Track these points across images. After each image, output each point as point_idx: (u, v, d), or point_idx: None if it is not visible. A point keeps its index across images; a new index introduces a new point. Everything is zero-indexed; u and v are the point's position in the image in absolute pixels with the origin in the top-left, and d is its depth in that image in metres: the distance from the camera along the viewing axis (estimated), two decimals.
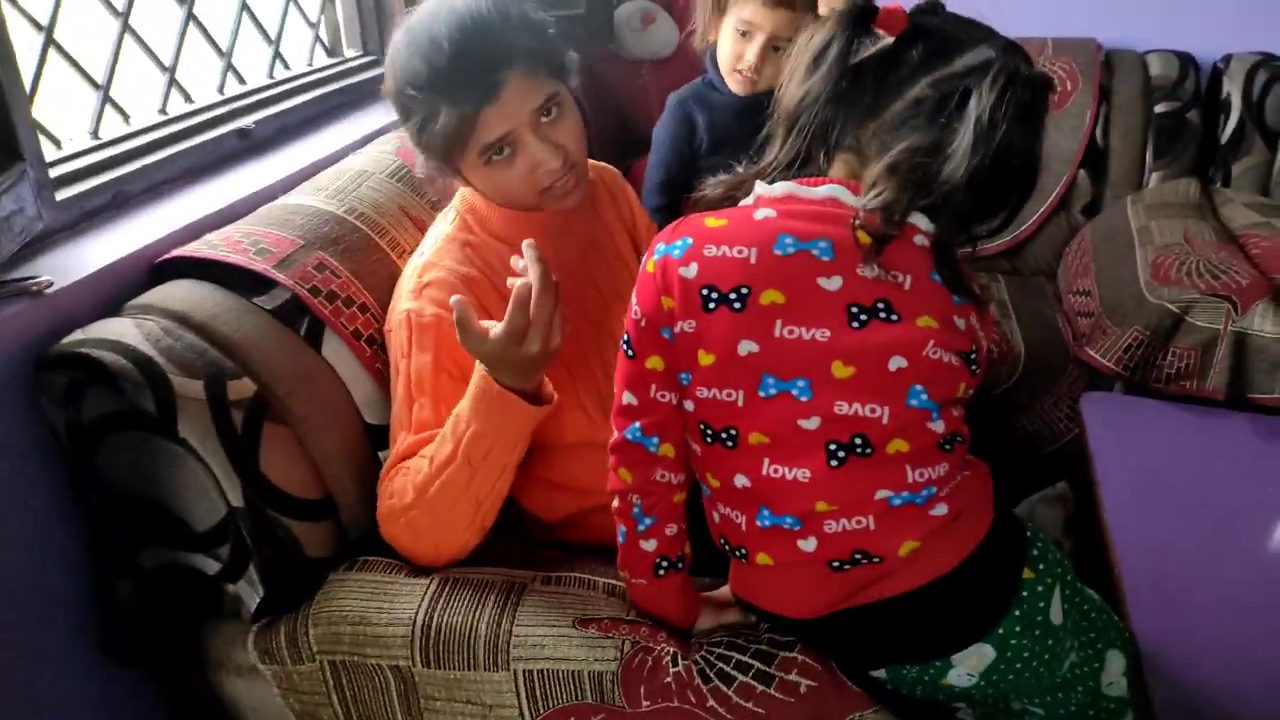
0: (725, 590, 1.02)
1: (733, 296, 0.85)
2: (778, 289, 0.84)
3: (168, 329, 1.01)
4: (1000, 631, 0.90)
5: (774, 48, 1.44)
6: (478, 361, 1.00)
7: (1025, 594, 0.91)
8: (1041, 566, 0.92)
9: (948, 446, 0.88)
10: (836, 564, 0.89)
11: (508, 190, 1.12)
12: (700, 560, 1.00)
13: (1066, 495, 1.71)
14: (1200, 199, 2.04)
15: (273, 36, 1.67)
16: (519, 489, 1.16)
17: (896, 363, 0.84)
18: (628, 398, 0.93)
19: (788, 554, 0.90)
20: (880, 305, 0.84)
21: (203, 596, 1.06)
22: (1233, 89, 2.12)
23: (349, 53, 1.88)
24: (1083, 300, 1.94)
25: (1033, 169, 0.84)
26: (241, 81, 1.60)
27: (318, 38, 1.80)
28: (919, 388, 0.85)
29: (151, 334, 1.00)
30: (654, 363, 0.91)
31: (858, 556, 0.88)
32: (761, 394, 0.86)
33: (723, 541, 0.95)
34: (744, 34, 1.44)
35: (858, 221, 0.84)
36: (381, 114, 1.71)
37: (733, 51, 1.47)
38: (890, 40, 0.84)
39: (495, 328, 0.95)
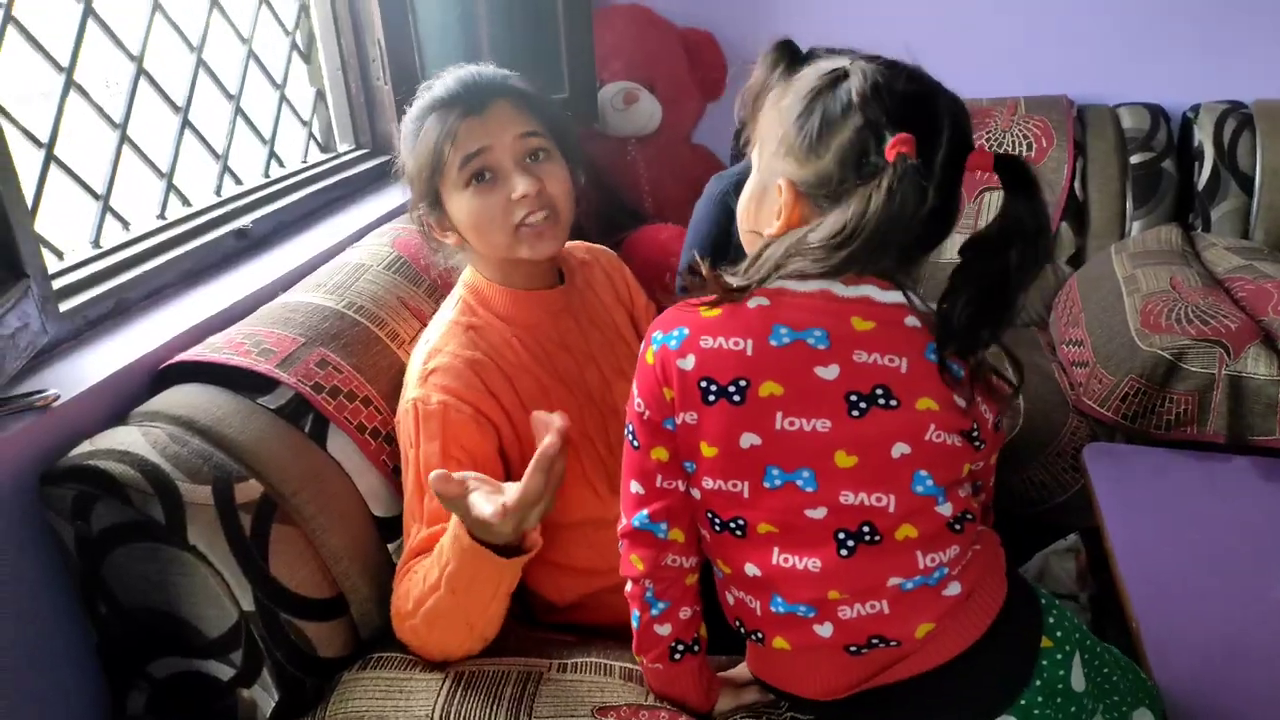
0: (743, 669, 1.01)
1: (731, 389, 0.85)
2: (776, 380, 0.85)
3: (174, 435, 1.02)
4: (1023, 703, 0.89)
5: None
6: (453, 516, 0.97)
7: (1045, 663, 0.90)
8: (1059, 634, 0.92)
9: (958, 527, 0.88)
10: (854, 648, 0.88)
11: (485, 224, 1.13)
12: (716, 638, 0.99)
13: (1078, 547, 1.71)
14: (1183, 245, 2.07)
15: (267, 137, 1.70)
16: (528, 573, 1.16)
17: (899, 450, 0.84)
18: (635, 487, 0.93)
19: (805, 639, 0.89)
20: (879, 391, 0.84)
21: (217, 703, 1.05)
22: (1204, 137, 2.18)
23: (342, 147, 1.92)
24: (1076, 350, 1.96)
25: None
26: (238, 182, 1.63)
27: (311, 135, 1.84)
28: (924, 473, 0.85)
29: (158, 441, 1.00)
30: (659, 453, 0.91)
31: (875, 641, 0.87)
32: (767, 485, 0.86)
33: (738, 624, 0.95)
34: None
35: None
36: (376, 206, 1.74)
37: None
38: None
39: (503, 494, 0.89)
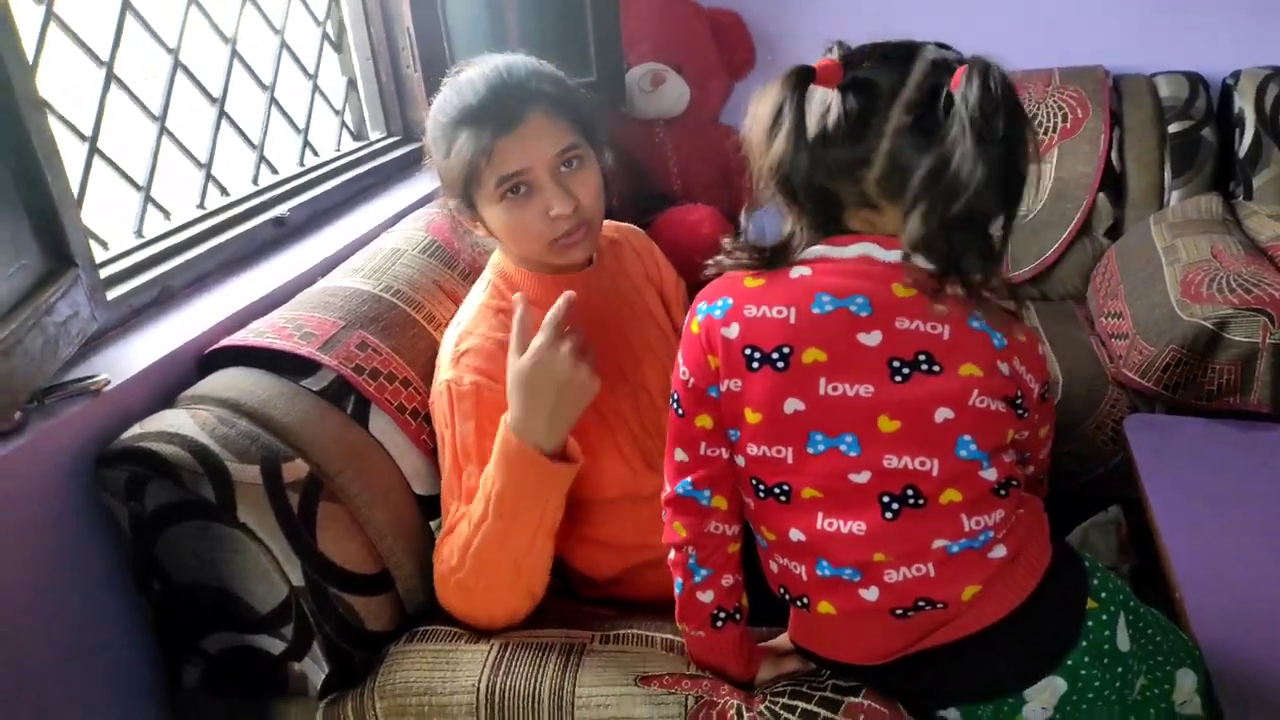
0: (784, 639, 1.02)
1: (775, 356, 0.86)
2: (819, 347, 0.86)
3: (222, 417, 1.04)
4: (1069, 664, 0.89)
5: None
6: (503, 417, 1.03)
7: (1091, 624, 0.90)
8: (1104, 595, 0.92)
9: (1002, 492, 0.88)
10: (900, 611, 0.89)
11: (519, 233, 1.13)
12: (757, 610, 1.00)
13: (1119, 519, 1.69)
14: (1224, 214, 2.04)
15: (300, 126, 1.73)
16: (566, 549, 1.17)
17: (943, 414, 0.85)
18: (679, 455, 0.95)
19: (850, 603, 0.90)
20: (921, 357, 0.85)
21: (269, 677, 1.07)
22: (1245, 104, 2.13)
23: (374, 135, 1.94)
24: (1115, 323, 1.94)
25: (1020, 164, 0.82)
26: (274, 171, 1.66)
27: (344, 123, 1.86)
28: (967, 438, 0.85)
29: (207, 423, 1.03)
30: (703, 421, 0.93)
31: (921, 604, 0.88)
32: (810, 450, 0.87)
33: (782, 591, 0.96)
34: None
35: (908, 279, 0.84)
36: (408, 192, 1.76)
37: None
38: (835, 94, 0.85)
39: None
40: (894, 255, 0.86)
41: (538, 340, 1.02)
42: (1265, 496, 1.35)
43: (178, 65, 1.44)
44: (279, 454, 1.04)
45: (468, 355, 1.14)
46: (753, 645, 1.00)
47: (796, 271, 0.88)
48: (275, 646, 1.05)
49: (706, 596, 0.95)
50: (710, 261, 0.94)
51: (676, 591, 0.97)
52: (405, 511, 1.16)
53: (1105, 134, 2.19)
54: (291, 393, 1.12)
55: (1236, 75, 2.18)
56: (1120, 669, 0.91)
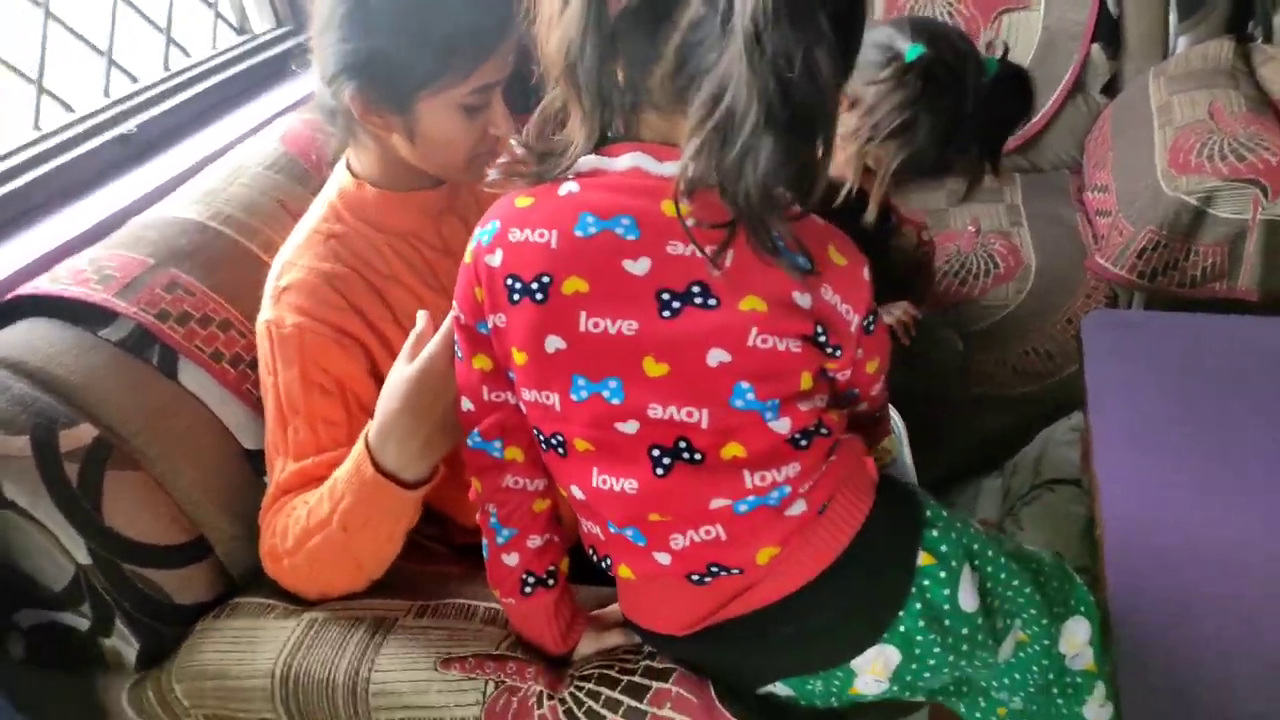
0: (616, 608, 0.91)
1: (535, 287, 0.72)
2: (581, 276, 0.71)
3: None
4: (901, 630, 0.78)
5: None
6: (363, 433, 0.91)
7: (926, 583, 0.78)
8: (944, 548, 0.79)
9: (803, 443, 0.74)
10: (695, 577, 0.77)
11: (449, 147, 0.99)
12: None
13: (1081, 428, 1.52)
14: (1233, 62, 1.76)
15: (161, 24, 1.56)
16: (438, 496, 1.07)
17: (717, 356, 0.70)
18: (465, 403, 0.83)
19: (645, 566, 0.79)
20: (695, 289, 0.69)
21: (84, 652, 1.01)
22: None
23: (260, 27, 1.76)
24: (1101, 197, 1.72)
25: (821, 94, 0.63)
26: (133, 80, 1.50)
27: (219, 16, 1.68)
28: (745, 385, 0.71)
29: None
30: (481, 362, 0.80)
31: (714, 569, 0.76)
32: (574, 396, 0.73)
33: (591, 552, 0.85)
34: None
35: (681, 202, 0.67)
36: (294, 92, 1.59)
37: None
38: None
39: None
40: (668, 168, 0.69)
41: (432, 347, 0.86)
42: (1228, 416, 1.17)
43: None
44: (57, 420, 0.93)
45: (289, 291, 1.02)
46: (572, 614, 0.90)
47: (565, 188, 0.73)
48: (80, 624, 0.98)
49: (511, 559, 0.85)
50: (488, 171, 0.78)
51: (484, 553, 0.87)
52: (227, 469, 1.06)
53: None
54: (86, 346, 1.01)
55: None
56: (966, 630, 0.79)
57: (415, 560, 1.08)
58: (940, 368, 1.46)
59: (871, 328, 0.77)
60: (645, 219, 0.70)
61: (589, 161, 0.73)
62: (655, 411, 0.72)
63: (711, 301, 0.69)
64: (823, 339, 0.72)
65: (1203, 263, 1.46)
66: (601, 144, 0.72)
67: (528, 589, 0.85)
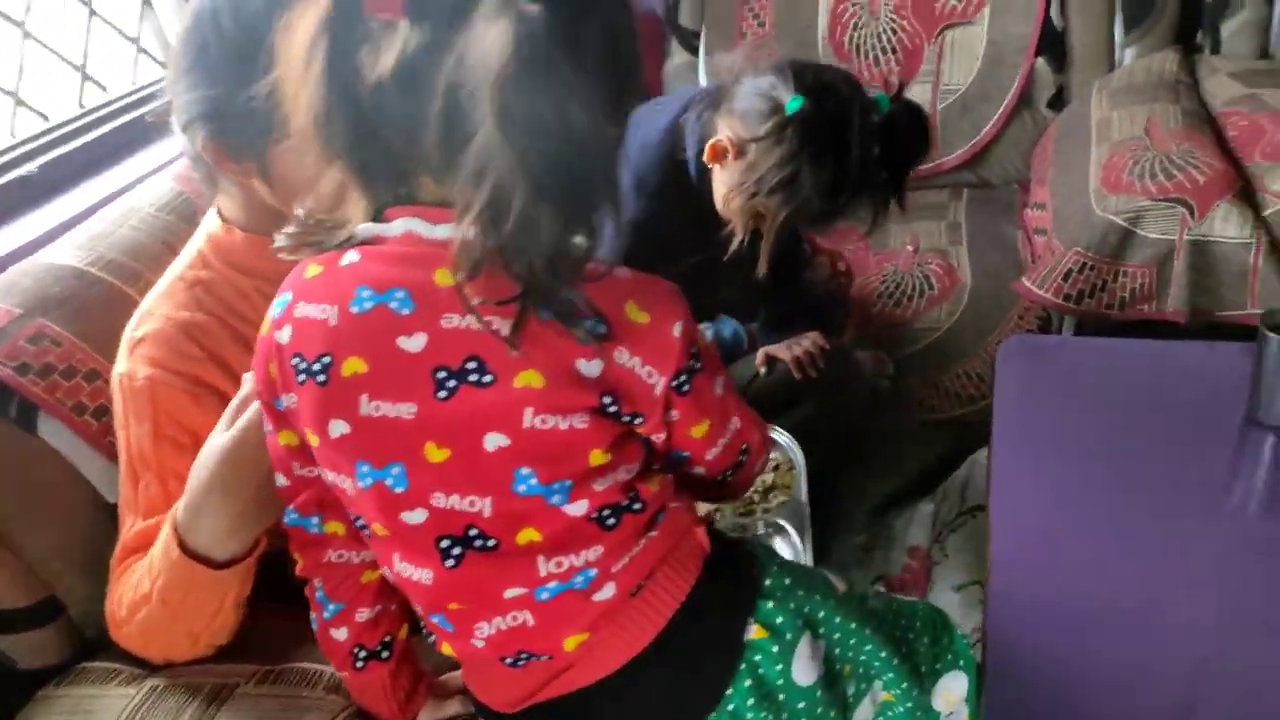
0: (458, 675, 0.88)
1: (317, 368, 0.68)
2: (359, 356, 0.67)
3: None
4: (730, 708, 0.74)
5: None
6: (172, 510, 0.88)
7: (758, 658, 0.74)
8: (779, 619, 0.75)
9: (610, 521, 0.70)
10: (509, 660, 0.74)
11: (308, 187, 0.86)
12: None
13: None
14: (1178, 74, 1.71)
15: (76, 61, 1.55)
16: None
17: (495, 441, 0.66)
18: (279, 479, 0.79)
19: (460, 648, 0.76)
20: (471, 365, 0.65)
21: None
22: None
23: None
24: (1039, 214, 1.67)
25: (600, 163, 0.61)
26: (44, 118, 1.49)
27: (141, 50, 1.67)
28: (525, 471, 0.66)
29: None
30: (286, 438, 0.76)
31: (523, 655, 0.72)
32: (360, 484, 0.70)
33: (421, 625, 0.82)
34: None
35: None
36: None
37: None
38: (403, 24, 0.62)
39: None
40: (441, 231, 0.65)
41: (246, 417, 0.82)
42: (1135, 447, 1.12)
43: None
44: None
45: (144, 344, 0.99)
46: (413, 684, 0.86)
47: (347, 258, 0.69)
48: None
49: (340, 634, 0.81)
50: (278, 235, 0.74)
51: (314, 626, 0.84)
52: (86, 527, 1.03)
53: None
54: None
55: None
56: (803, 703, 0.75)
57: (273, 613, 1.05)
58: (856, 398, 1.42)
59: (686, 388, 0.72)
60: (419, 291, 0.66)
61: (369, 229, 0.69)
62: (439, 500, 0.68)
63: (487, 379, 0.65)
64: (614, 409, 0.68)
65: (1131, 284, 1.41)
66: (383, 208, 0.69)
67: (359, 663, 0.82)
